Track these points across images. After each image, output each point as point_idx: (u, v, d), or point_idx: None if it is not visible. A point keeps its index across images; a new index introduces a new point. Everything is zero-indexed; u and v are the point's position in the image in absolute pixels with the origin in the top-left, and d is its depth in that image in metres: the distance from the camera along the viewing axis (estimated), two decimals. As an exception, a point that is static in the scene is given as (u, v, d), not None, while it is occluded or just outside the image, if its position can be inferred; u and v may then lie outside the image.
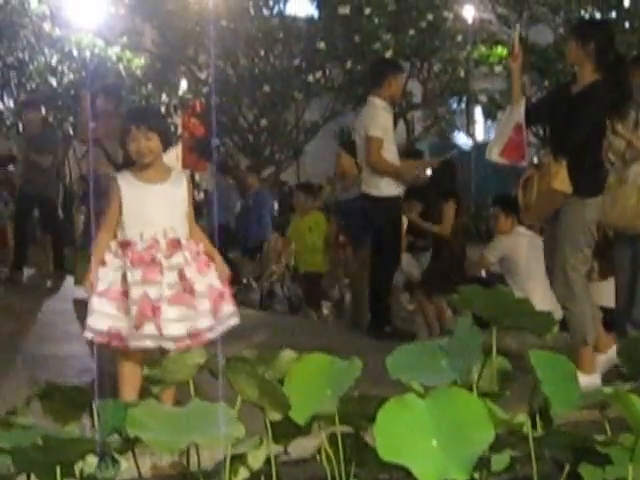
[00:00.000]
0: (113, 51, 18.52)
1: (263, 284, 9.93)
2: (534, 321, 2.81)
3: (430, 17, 19.46)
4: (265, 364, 3.05)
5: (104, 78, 14.89)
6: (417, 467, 2.24)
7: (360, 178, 7.57)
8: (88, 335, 4.28)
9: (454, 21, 20.46)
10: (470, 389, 2.62)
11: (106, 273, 4.29)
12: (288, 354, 3.05)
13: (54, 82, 18.47)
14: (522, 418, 2.59)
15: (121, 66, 18.52)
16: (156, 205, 4.37)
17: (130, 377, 4.30)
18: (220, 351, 3.74)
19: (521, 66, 5.90)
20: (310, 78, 19.61)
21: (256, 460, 2.98)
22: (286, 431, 2.97)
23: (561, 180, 5.44)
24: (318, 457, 3.04)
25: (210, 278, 4.41)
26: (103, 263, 4.31)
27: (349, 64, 19.21)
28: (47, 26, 18.17)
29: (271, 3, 20.04)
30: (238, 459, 2.92)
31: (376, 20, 19.10)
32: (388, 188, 7.11)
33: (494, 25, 21.85)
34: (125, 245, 4.30)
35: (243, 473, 2.96)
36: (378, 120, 7.06)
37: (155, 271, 4.25)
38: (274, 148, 20.49)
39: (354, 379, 2.71)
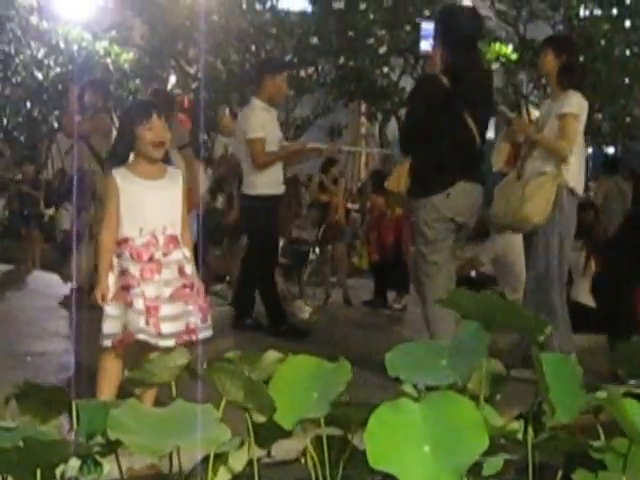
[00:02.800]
0: (101, 45, 18.36)
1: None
2: (524, 323, 2.71)
3: (427, 13, 19.30)
4: (249, 365, 2.97)
5: (91, 72, 14.71)
6: (407, 475, 2.16)
7: None
8: (106, 343, 4.19)
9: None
10: (463, 392, 2.54)
11: (110, 277, 4.23)
12: (272, 355, 2.97)
13: (40, 76, 18.31)
14: (516, 425, 2.49)
15: (109, 60, 18.36)
16: (154, 202, 4.28)
17: (111, 376, 4.23)
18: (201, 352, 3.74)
19: None
20: (302, 73, 19.48)
21: (237, 461, 2.91)
22: (269, 433, 2.88)
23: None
24: (302, 460, 2.94)
25: (200, 282, 4.37)
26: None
27: (342, 60, 19.09)
28: (34, 19, 18.01)
29: (264, -3, 19.89)
30: (219, 460, 2.83)
31: (371, 15, 18.96)
32: (265, 187, 7.02)
33: (492, 22, 21.72)
34: (124, 242, 4.22)
35: (224, 474, 2.87)
36: (256, 121, 6.97)
37: (152, 270, 4.18)
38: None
39: (344, 383, 2.64)
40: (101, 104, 8.22)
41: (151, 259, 4.20)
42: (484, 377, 2.64)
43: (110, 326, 4.18)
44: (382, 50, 18.78)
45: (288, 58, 19.52)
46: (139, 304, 4.13)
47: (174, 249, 4.26)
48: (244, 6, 19.34)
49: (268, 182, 7.00)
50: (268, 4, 19.90)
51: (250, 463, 2.82)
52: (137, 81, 19.44)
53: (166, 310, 4.16)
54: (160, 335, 4.13)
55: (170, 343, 4.09)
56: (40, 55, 18.44)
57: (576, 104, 5.65)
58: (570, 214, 5.63)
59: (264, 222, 7.00)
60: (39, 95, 17.81)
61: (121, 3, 18.89)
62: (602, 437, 2.66)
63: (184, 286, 4.23)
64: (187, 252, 4.32)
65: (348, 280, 10.57)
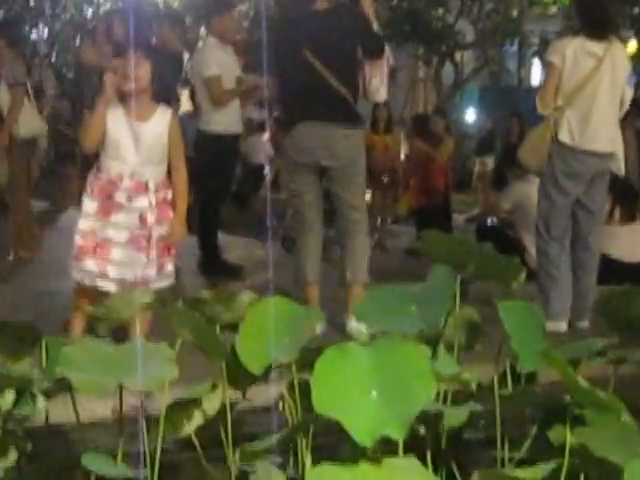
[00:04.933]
0: (153, -18, 18.12)
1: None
2: (499, 268, 2.60)
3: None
4: (223, 305, 2.92)
5: (141, 10, 14.54)
6: (352, 421, 2.06)
7: None
8: (77, 276, 4.30)
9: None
10: (437, 341, 2.48)
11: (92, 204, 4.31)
12: (247, 295, 2.92)
13: (90, 12, 18.20)
14: (468, 375, 2.35)
15: (160, -1, 18.12)
16: (131, 144, 4.29)
17: (81, 315, 4.26)
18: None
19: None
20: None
21: (210, 405, 2.84)
22: (245, 376, 2.79)
23: None
24: (281, 405, 2.90)
25: (163, 229, 4.33)
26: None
27: (395, 1, 18.68)
28: (85, -46, 17.88)
29: None
30: (192, 404, 2.82)
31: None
32: (221, 125, 6.97)
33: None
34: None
35: (198, 418, 2.83)
36: (210, 59, 6.94)
37: (107, 209, 4.22)
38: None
39: (315, 328, 2.61)
40: (126, 42, 8.06)
41: (110, 198, 4.21)
42: (458, 325, 2.54)
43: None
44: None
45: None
46: (76, 240, 4.24)
47: (140, 195, 4.25)
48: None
49: (225, 120, 6.99)
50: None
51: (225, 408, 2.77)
52: (187, 20, 19.18)
53: (116, 254, 4.20)
54: (104, 276, 4.18)
55: (111, 287, 4.12)
56: (90, -9, 18.31)
57: (556, 51, 5.36)
58: (561, 166, 5.42)
59: (218, 159, 7.00)
60: (88, 32, 17.69)
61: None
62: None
63: (142, 236, 4.23)
64: (153, 200, 4.27)
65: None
